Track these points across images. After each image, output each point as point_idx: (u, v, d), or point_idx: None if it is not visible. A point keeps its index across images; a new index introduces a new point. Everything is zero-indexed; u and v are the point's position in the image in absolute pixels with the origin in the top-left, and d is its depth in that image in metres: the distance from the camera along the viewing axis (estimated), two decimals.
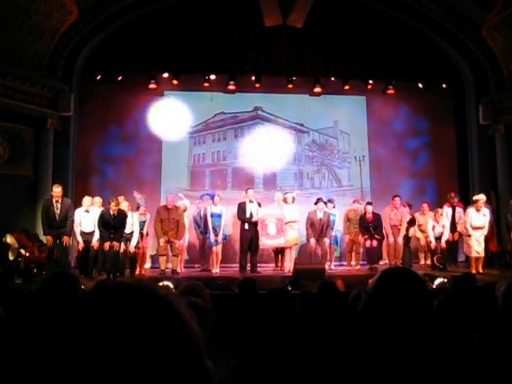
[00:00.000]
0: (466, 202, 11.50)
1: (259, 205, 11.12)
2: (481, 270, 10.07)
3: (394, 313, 1.56)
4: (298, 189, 12.77)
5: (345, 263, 12.01)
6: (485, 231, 10.27)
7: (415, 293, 1.61)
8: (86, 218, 10.12)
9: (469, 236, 10.19)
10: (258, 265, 11.04)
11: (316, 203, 11.11)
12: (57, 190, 9.55)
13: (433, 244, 10.69)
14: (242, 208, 10.87)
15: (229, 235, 11.78)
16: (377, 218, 10.95)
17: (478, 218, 10.17)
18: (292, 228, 10.99)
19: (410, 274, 1.70)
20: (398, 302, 1.57)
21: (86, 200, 10.27)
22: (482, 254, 10.26)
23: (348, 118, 13.74)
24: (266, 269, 11.42)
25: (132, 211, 10.39)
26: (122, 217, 9.57)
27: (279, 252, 11.40)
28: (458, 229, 10.75)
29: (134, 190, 11.64)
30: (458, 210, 10.98)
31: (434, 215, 10.83)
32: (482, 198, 10.43)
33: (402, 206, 11.19)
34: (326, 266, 10.55)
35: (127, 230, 9.93)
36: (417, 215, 11.34)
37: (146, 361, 0.73)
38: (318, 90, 13.23)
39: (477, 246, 10.10)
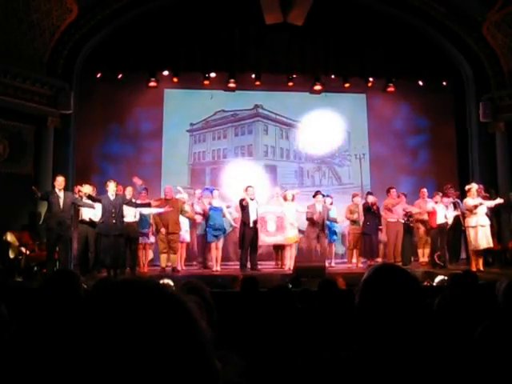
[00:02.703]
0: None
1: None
2: (481, 268, 10.05)
3: (384, 311, 1.56)
4: (299, 187, 12.77)
5: (344, 260, 12.05)
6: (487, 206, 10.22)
7: (404, 289, 1.60)
8: (86, 208, 10.06)
9: (474, 227, 10.05)
10: (258, 263, 11.04)
11: (314, 196, 11.15)
12: (60, 178, 9.52)
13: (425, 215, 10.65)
14: (242, 205, 10.84)
15: (230, 231, 11.80)
16: (378, 207, 11.05)
17: (476, 203, 10.12)
18: (292, 226, 11.01)
19: (398, 271, 1.70)
20: (387, 300, 1.57)
21: (87, 188, 10.18)
22: (491, 244, 10.18)
23: (348, 116, 13.74)
24: (266, 267, 11.41)
25: (135, 199, 10.34)
26: (120, 198, 9.59)
27: (279, 248, 11.40)
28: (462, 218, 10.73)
29: (134, 176, 11.42)
30: (457, 201, 11.04)
31: (434, 196, 10.86)
32: (473, 185, 10.44)
33: (397, 196, 11.30)
34: (327, 264, 10.58)
35: (132, 218, 9.93)
36: (416, 203, 11.40)
37: (155, 360, 0.73)
38: (318, 87, 13.24)
39: (484, 238, 9.99)
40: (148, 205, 10.05)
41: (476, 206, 10.00)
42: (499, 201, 10.56)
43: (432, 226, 10.74)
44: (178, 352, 0.75)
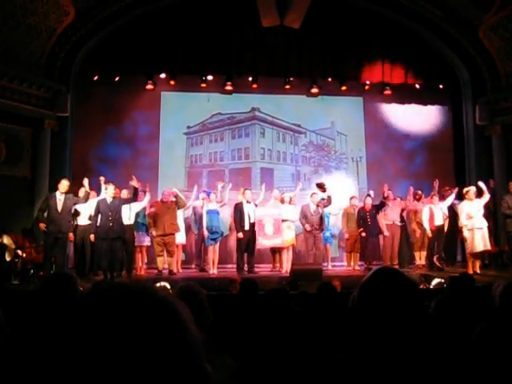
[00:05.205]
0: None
1: (255, 205, 11.15)
2: (478, 271, 10.05)
3: (382, 313, 1.56)
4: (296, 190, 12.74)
5: (342, 263, 12.06)
6: (482, 213, 10.15)
7: (402, 292, 1.61)
8: (84, 210, 10.06)
9: (470, 230, 10.02)
10: (255, 265, 11.05)
11: (312, 196, 11.15)
12: (65, 182, 9.55)
13: (428, 232, 10.64)
14: (239, 209, 10.87)
15: (226, 235, 11.81)
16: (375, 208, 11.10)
17: (473, 206, 10.09)
18: (289, 228, 11.01)
19: (396, 273, 1.70)
20: (385, 302, 1.58)
21: (83, 192, 10.15)
22: (489, 247, 10.12)
23: (345, 119, 13.76)
24: (263, 269, 11.42)
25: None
26: (118, 202, 9.59)
27: (276, 250, 11.39)
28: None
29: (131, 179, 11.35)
30: (455, 201, 11.02)
31: (431, 197, 10.89)
32: (471, 188, 10.43)
33: (394, 199, 11.34)
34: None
35: (127, 221, 9.92)
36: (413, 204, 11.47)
37: (145, 363, 0.73)
38: (315, 90, 13.26)
39: (481, 240, 9.96)
40: (136, 192, 9.85)
41: (469, 216, 10.00)
42: (486, 196, 10.35)
43: (430, 228, 10.72)
44: (167, 355, 0.75)
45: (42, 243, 9.73)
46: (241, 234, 10.79)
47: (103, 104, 12.70)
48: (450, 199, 10.97)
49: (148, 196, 10.62)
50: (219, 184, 11.51)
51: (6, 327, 2.50)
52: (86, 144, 12.54)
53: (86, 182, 9.91)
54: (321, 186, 11.16)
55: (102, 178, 10.07)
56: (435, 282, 8.09)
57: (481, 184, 10.32)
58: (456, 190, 11.03)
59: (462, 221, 10.06)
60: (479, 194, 10.31)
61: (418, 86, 13.32)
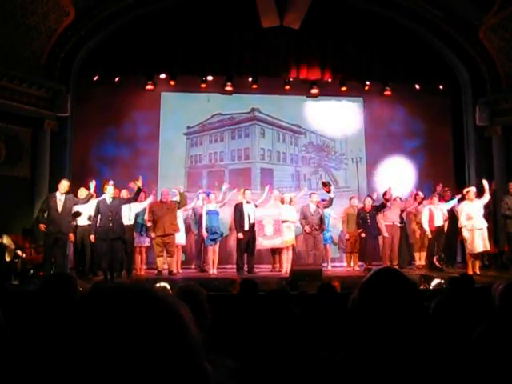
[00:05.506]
0: None
1: (255, 206, 11.16)
2: (478, 271, 10.05)
3: (382, 314, 1.56)
4: (295, 190, 12.76)
5: (342, 263, 12.06)
6: (482, 212, 10.12)
7: (402, 293, 1.61)
8: (84, 210, 10.06)
9: (470, 230, 10.01)
10: (255, 266, 11.06)
11: (310, 196, 11.16)
12: (65, 183, 9.55)
13: (428, 233, 10.64)
14: (239, 210, 10.87)
15: (226, 235, 11.82)
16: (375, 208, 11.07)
17: (472, 206, 10.09)
18: (289, 229, 11.01)
19: (396, 274, 1.70)
20: (385, 302, 1.58)
21: (82, 192, 10.13)
22: (488, 248, 10.14)
23: (345, 120, 13.75)
24: (263, 270, 11.43)
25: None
26: (118, 202, 9.59)
27: (275, 251, 11.39)
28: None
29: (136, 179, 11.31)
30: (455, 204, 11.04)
31: (431, 198, 10.88)
32: (471, 189, 10.43)
33: (394, 200, 11.32)
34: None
35: (127, 221, 9.91)
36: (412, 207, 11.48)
37: (145, 363, 0.73)
38: (315, 91, 13.25)
39: (481, 241, 9.96)
40: (138, 193, 9.90)
41: (468, 217, 9.99)
42: (487, 196, 10.37)
43: (430, 229, 10.72)
44: (168, 355, 0.75)
45: (42, 243, 9.73)
46: (241, 235, 10.80)
47: (103, 104, 12.70)
48: (452, 203, 10.97)
49: (151, 198, 10.57)
50: (224, 185, 11.50)
51: (6, 327, 2.50)
52: (86, 144, 12.54)
53: (92, 184, 9.89)
54: (326, 185, 11.17)
55: (110, 182, 10.05)
56: (435, 282, 8.09)
57: (484, 182, 10.33)
58: (459, 196, 10.97)
59: (462, 221, 10.07)
60: (480, 192, 10.31)
61: (417, 86, 13.32)
